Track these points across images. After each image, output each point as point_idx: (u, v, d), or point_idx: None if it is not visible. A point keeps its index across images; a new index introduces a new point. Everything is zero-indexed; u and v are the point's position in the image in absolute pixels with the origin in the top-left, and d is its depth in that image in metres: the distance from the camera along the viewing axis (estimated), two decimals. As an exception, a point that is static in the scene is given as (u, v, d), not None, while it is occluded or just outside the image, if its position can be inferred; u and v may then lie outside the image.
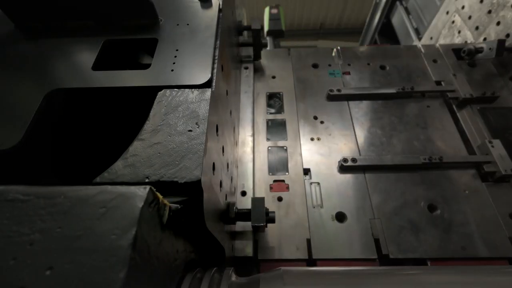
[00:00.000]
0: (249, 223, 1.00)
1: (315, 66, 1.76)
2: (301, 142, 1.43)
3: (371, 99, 1.57)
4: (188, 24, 0.91)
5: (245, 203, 1.20)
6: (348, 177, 1.31)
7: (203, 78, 0.75)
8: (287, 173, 1.33)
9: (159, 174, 0.55)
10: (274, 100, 1.62)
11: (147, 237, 0.41)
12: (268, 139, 1.45)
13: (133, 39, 0.90)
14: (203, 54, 0.82)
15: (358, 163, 1.31)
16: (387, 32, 3.76)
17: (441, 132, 1.44)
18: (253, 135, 1.43)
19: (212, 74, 0.78)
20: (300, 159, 1.37)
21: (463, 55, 1.70)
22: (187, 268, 0.61)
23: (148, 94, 0.71)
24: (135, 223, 0.38)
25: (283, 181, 1.30)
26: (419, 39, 2.84)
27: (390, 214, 1.19)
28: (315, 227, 1.17)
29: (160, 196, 0.46)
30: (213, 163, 0.69)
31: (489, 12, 1.80)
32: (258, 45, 1.67)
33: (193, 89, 0.71)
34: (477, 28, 1.89)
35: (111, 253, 0.35)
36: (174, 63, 0.81)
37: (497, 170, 1.26)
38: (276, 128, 1.49)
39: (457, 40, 2.07)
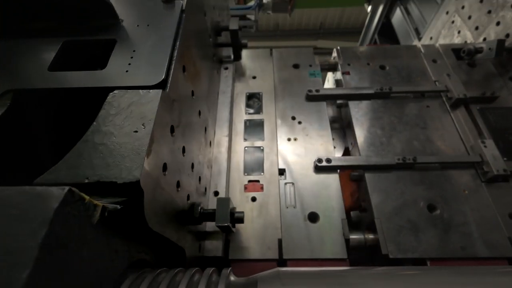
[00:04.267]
0: None
1: (296, 66, 1.76)
2: (278, 142, 1.44)
3: (349, 99, 1.58)
4: (148, 25, 0.92)
5: None
6: (322, 177, 1.32)
7: (156, 79, 0.76)
8: (262, 173, 1.34)
9: (99, 175, 0.55)
10: (253, 100, 1.62)
11: (66, 237, 0.41)
12: (245, 139, 1.46)
13: (91, 40, 0.90)
14: (159, 55, 0.82)
15: (332, 163, 1.32)
16: (387, 32, 3.76)
17: (441, 132, 1.44)
18: (229, 135, 1.42)
19: (168, 75, 0.78)
20: (276, 159, 1.38)
21: (463, 55, 1.70)
22: (131, 268, 0.62)
23: (100, 95, 0.71)
24: (47, 224, 0.38)
25: (258, 181, 1.31)
26: (419, 39, 2.84)
27: (390, 214, 1.19)
28: (287, 227, 1.18)
29: (87, 197, 0.46)
30: (164, 164, 0.70)
31: (489, 12, 1.80)
32: (236, 45, 1.67)
33: (144, 90, 0.71)
34: (476, 28, 1.89)
35: (17, 254, 0.36)
36: (129, 64, 0.81)
37: (489, 170, 1.26)
38: (254, 128, 1.50)
39: (457, 40, 2.07)
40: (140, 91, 0.71)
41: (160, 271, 0.63)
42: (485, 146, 1.31)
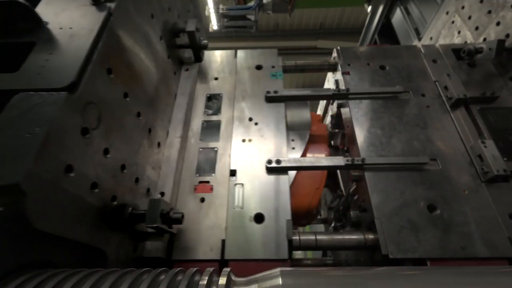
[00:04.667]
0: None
1: (259, 67, 1.76)
2: (233, 143, 1.44)
3: (308, 100, 1.61)
4: (71, 28, 0.92)
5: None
6: (273, 178, 1.33)
7: (64, 82, 0.76)
8: (213, 174, 1.35)
9: None
10: (212, 101, 1.63)
11: None
12: (201, 140, 1.47)
13: (9, 43, 0.90)
14: (75, 58, 0.83)
15: (282, 165, 1.32)
16: (387, 32, 3.76)
17: (441, 132, 1.44)
18: (182, 136, 1.43)
19: (80, 77, 0.79)
20: (228, 160, 1.38)
21: (463, 55, 1.70)
22: (20, 270, 0.64)
23: (7, 98, 0.72)
24: None
25: (208, 182, 1.32)
26: (419, 39, 2.84)
27: (390, 214, 1.19)
28: (232, 228, 1.19)
29: None
30: (68, 165, 0.71)
31: (489, 12, 1.80)
32: (195, 47, 1.67)
33: (48, 93, 0.72)
34: (477, 28, 1.89)
35: None
36: (43, 66, 0.81)
37: (489, 170, 1.26)
38: (210, 129, 1.51)
39: (457, 40, 2.07)
40: (44, 93, 0.72)
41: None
42: (485, 146, 1.31)
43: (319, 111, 2.24)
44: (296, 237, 1.18)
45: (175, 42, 1.61)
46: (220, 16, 6.09)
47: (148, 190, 1.18)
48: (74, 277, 0.65)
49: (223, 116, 1.56)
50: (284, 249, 1.13)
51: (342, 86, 1.68)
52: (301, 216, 1.53)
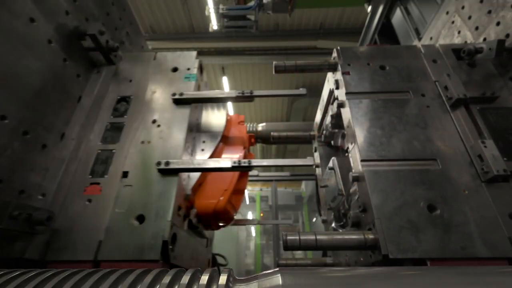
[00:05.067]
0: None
1: (175, 70, 1.76)
2: (131, 145, 1.45)
3: (212, 102, 1.64)
4: None
5: (42, 204, 1.28)
6: (161, 180, 1.33)
7: None
8: (106, 176, 1.36)
9: None
10: (121, 104, 1.63)
11: None
12: (101, 142, 1.48)
13: None
14: None
15: (170, 166, 1.33)
16: (387, 32, 3.76)
17: (441, 132, 1.44)
18: (78, 138, 1.46)
19: None
20: (123, 162, 1.39)
21: (463, 55, 1.70)
22: None
23: None
24: None
25: (98, 183, 1.34)
26: (419, 39, 2.84)
27: (390, 214, 1.19)
28: (112, 229, 1.20)
29: None
30: None
31: (489, 12, 1.80)
32: (102, 49, 1.67)
33: None
34: (477, 28, 1.89)
35: None
36: None
37: (489, 170, 1.26)
38: (113, 131, 1.52)
39: (457, 40, 2.07)
40: None
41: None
42: (485, 146, 1.31)
43: (319, 111, 2.24)
44: (296, 237, 1.18)
45: (81, 45, 1.65)
46: (220, 16, 6.10)
47: (23, 191, 1.21)
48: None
49: (129, 118, 1.57)
50: (157, 249, 1.14)
51: (342, 86, 1.68)
52: (209, 217, 1.55)
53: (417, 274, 0.70)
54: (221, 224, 1.75)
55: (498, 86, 1.59)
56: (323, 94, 2.13)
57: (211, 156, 1.73)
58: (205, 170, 1.42)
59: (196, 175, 1.55)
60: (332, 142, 2.11)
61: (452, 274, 0.70)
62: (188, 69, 1.75)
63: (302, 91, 1.64)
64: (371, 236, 1.17)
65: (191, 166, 1.37)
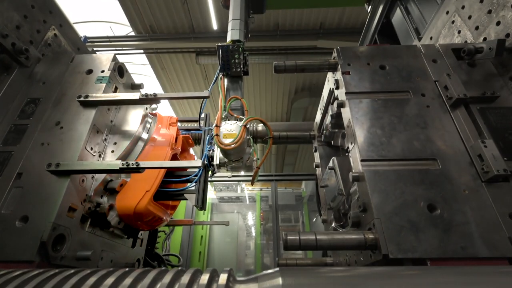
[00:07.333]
0: None
1: (89, 72, 1.75)
2: (31, 147, 1.44)
3: (115, 104, 1.65)
4: None
5: None
6: (52, 181, 1.32)
7: None
8: None
9: None
10: (29, 106, 1.62)
11: None
12: (1, 144, 1.47)
13: None
14: None
15: (60, 168, 1.32)
16: (387, 32, 3.76)
17: (441, 132, 1.44)
18: None
19: None
20: (19, 164, 1.38)
21: (463, 55, 1.70)
22: None
23: None
24: None
25: None
26: (419, 39, 2.84)
27: (390, 214, 1.19)
28: None
29: None
30: None
31: (489, 12, 1.80)
32: (6, 52, 1.65)
33: None
34: (477, 28, 1.89)
35: None
36: None
37: (489, 170, 1.26)
38: (16, 133, 1.51)
39: (457, 40, 2.07)
40: None
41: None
42: (485, 146, 1.31)
43: (319, 111, 2.24)
44: (296, 237, 1.18)
45: None
46: (220, 16, 6.08)
47: None
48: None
49: (34, 120, 1.55)
50: (31, 250, 1.14)
51: (342, 86, 1.68)
52: (130, 218, 1.55)
53: (417, 274, 0.70)
54: (151, 224, 1.74)
55: (498, 86, 1.59)
56: (323, 94, 2.13)
57: (139, 158, 1.73)
58: (94, 172, 1.42)
59: (102, 176, 1.54)
60: (332, 142, 2.11)
61: (452, 274, 0.70)
62: (103, 71, 1.73)
63: (205, 93, 1.62)
64: (371, 236, 1.17)
65: (83, 168, 1.36)
